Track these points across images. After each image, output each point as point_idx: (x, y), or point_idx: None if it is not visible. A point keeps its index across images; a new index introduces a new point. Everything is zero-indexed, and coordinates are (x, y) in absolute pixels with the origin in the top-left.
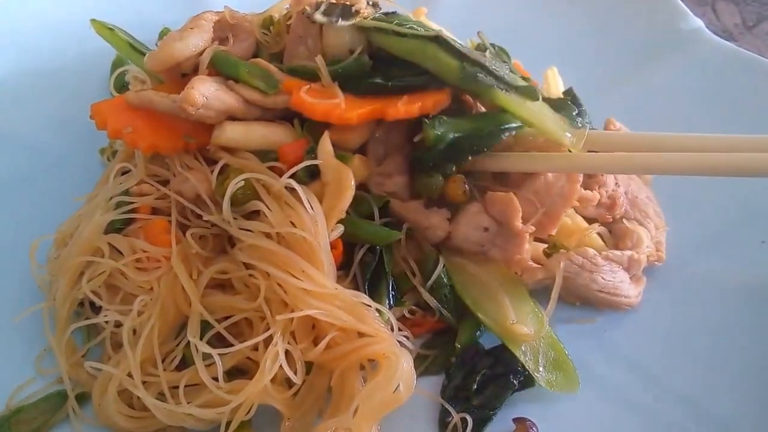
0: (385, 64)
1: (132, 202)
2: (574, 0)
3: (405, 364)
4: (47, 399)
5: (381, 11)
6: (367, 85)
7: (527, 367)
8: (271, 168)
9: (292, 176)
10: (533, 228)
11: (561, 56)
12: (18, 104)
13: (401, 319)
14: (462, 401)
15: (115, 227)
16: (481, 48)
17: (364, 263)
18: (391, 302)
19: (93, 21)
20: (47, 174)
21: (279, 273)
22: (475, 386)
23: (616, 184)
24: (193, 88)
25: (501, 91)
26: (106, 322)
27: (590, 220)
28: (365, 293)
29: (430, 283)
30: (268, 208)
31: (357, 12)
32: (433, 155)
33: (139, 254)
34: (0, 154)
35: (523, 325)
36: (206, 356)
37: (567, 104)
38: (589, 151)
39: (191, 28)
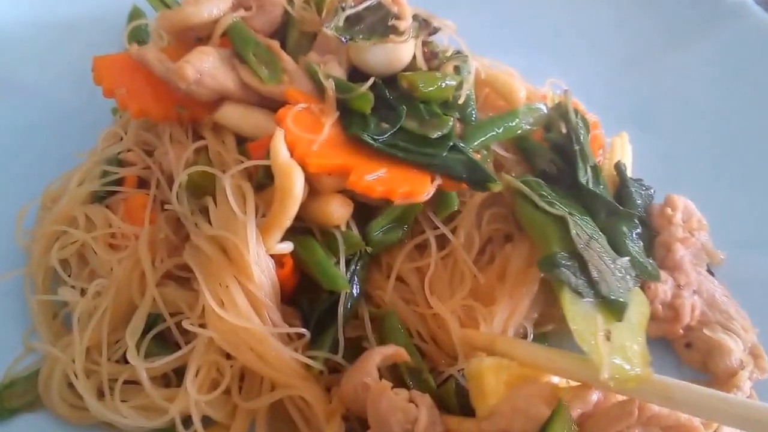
0: (411, 104)
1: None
2: None
3: None
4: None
5: (430, 29)
6: (354, 133)
7: None
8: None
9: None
10: None
11: (599, 30)
12: (33, 55)
13: None
14: None
15: (99, 195)
16: (561, 109)
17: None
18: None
19: None
20: (57, 127)
21: (204, 283)
22: None
23: (678, 286)
24: (188, 61)
25: (572, 295)
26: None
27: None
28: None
29: None
30: (215, 205)
31: (394, 29)
32: None
33: (112, 229)
34: (11, 103)
35: None
36: (151, 352)
37: (630, 217)
38: None
39: None
